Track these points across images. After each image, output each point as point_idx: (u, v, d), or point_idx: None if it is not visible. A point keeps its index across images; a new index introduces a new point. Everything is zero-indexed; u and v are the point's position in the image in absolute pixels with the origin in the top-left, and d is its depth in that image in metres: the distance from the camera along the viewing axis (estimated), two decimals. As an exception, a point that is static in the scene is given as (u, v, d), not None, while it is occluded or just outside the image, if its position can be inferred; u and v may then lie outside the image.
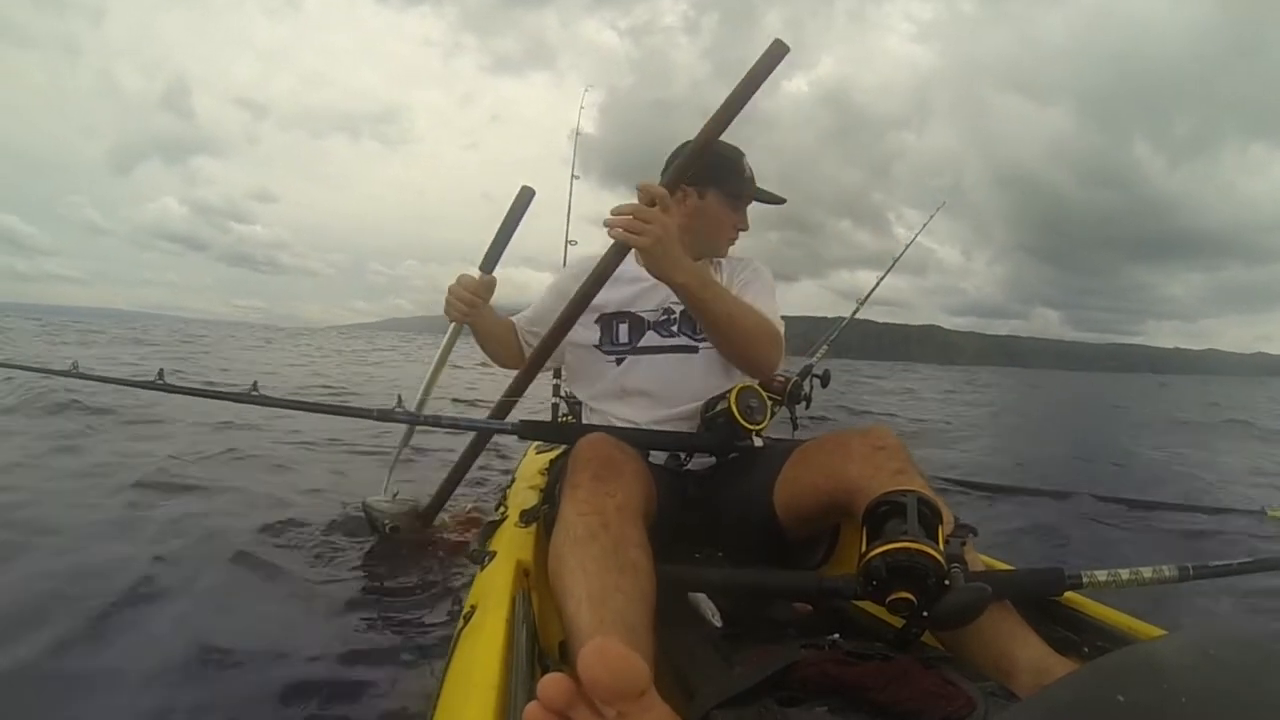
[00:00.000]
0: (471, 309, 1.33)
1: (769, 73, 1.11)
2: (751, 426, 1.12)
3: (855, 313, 2.39)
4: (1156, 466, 4.57)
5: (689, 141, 1.17)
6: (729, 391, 1.14)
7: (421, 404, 1.49)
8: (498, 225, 1.51)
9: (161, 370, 1.44)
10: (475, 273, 1.39)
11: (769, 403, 1.17)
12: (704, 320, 1.11)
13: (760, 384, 1.24)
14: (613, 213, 1.03)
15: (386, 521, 1.56)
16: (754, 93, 1.11)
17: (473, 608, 0.89)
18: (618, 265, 1.15)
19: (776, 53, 1.10)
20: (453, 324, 1.42)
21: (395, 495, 1.59)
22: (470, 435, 1.49)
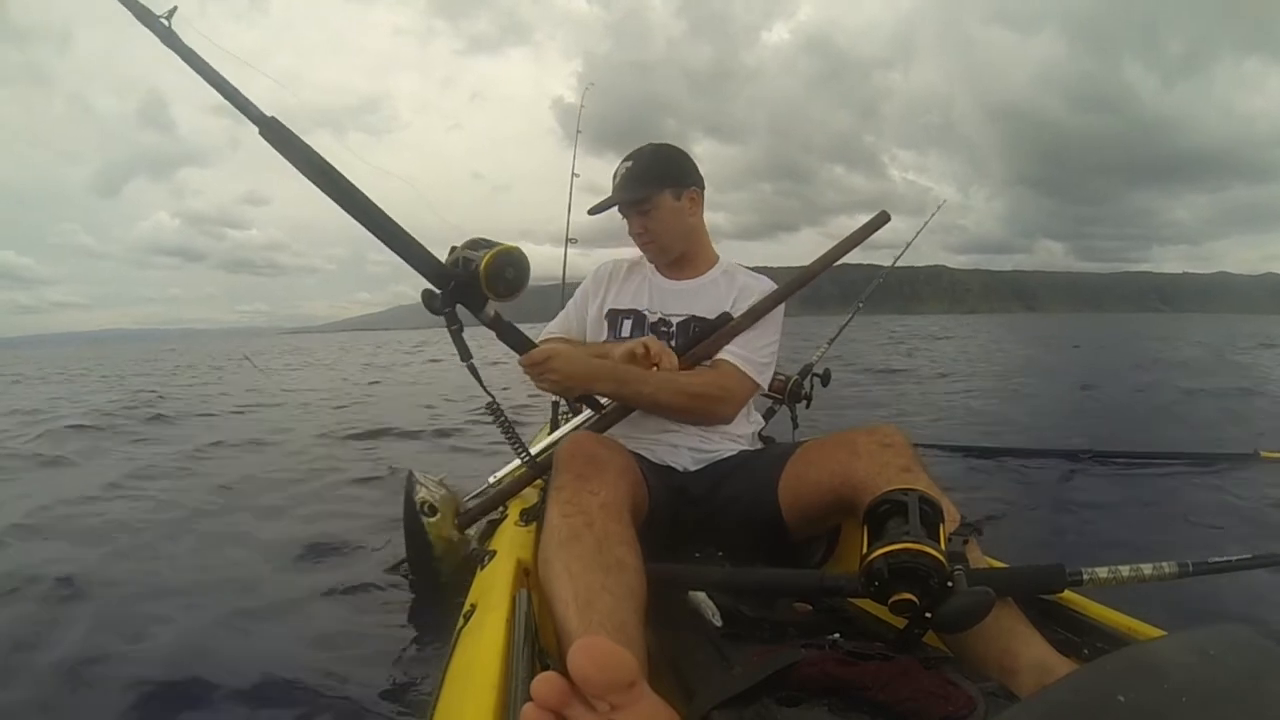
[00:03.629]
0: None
1: (868, 235, 1.41)
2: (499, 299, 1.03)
3: (857, 312, 2.39)
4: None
5: (666, 145, 1.29)
6: (483, 254, 1.08)
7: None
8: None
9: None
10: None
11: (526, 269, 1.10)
12: (638, 408, 1.19)
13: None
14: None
15: (425, 499, 1.39)
16: (851, 249, 1.39)
17: (473, 606, 0.89)
18: None
19: (879, 221, 1.43)
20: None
21: (443, 479, 1.49)
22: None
